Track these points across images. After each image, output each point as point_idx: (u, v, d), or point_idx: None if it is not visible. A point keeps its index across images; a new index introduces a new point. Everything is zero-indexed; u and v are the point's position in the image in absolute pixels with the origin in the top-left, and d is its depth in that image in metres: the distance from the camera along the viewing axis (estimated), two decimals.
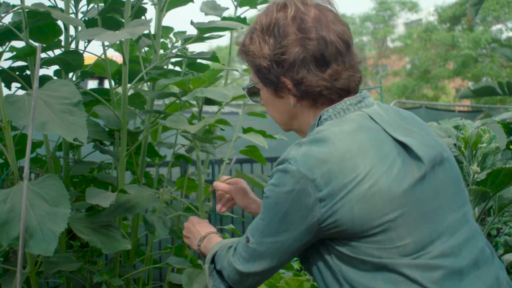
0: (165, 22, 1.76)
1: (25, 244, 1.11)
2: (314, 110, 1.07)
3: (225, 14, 1.91)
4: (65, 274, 1.61)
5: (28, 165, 1.12)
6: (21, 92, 1.60)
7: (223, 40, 30.39)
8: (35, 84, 1.15)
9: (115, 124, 1.65)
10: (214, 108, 1.93)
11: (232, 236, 2.40)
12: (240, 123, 1.97)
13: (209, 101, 1.62)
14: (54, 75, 1.68)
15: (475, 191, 1.58)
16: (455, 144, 1.74)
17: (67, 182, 1.73)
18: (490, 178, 1.55)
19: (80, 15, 1.73)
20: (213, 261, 1.17)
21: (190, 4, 1.82)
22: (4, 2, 1.45)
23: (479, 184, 1.56)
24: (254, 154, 2.06)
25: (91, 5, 1.74)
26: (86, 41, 1.70)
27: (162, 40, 1.89)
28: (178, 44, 1.86)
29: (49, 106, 1.21)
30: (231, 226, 2.15)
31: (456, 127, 2.18)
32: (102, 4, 1.67)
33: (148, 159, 1.90)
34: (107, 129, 1.72)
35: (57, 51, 1.67)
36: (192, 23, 1.61)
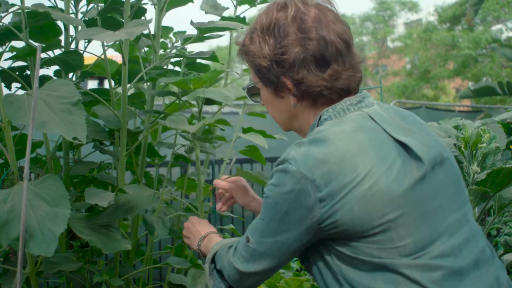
0: (165, 22, 1.76)
1: (25, 245, 1.11)
2: (314, 110, 1.07)
3: (225, 14, 1.91)
4: (65, 274, 1.61)
5: (28, 165, 1.12)
6: (21, 92, 1.60)
7: (223, 40, 30.43)
8: (35, 84, 1.15)
9: (115, 124, 1.65)
10: (214, 108, 1.93)
11: (232, 236, 2.40)
12: (240, 123, 1.97)
13: (209, 101, 1.62)
14: (54, 75, 1.68)
15: (475, 191, 1.58)
16: (455, 144, 1.74)
17: (67, 182, 1.73)
18: (490, 178, 1.55)
19: (80, 15, 1.73)
20: (213, 260, 1.17)
21: (190, 4, 1.82)
22: (3, 0, 1.45)
23: (479, 184, 1.56)
24: (254, 154, 2.06)
25: (91, 5, 1.74)
26: (86, 41, 1.70)
27: (162, 40, 1.89)
28: (178, 44, 1.86)
29: (48, 105, 1.21)
30: (231, 226, 2.15)
31: (456, 127, 2.18)
32: (102, 4, 1.67)
33: (148, 159, 1.90)
34: (107, 129, 1.72)
35: (57, 51, 1.67)
36: (192, 23, 1.62)
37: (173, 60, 1.87)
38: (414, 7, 24.23)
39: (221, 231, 2.15)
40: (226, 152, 1.95)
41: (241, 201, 1.43)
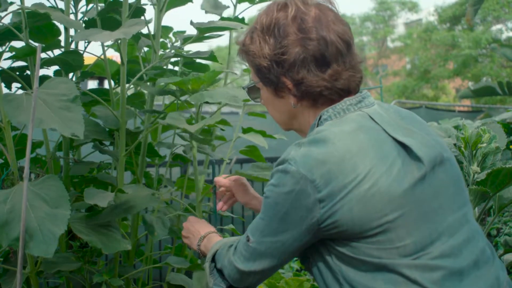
0: (165, 22, 1.76)
1: (25, 245, 1.11)
2: (314, 110, 1.06)
3: (225, 13, 1.91)
4: (65, 274, 1.60)
5: (28, 165, 1.12)
6: (21, 92, 1.60)
7: (223, 40, 30.41)
8: (35, 84, 1.15)
9: (114, 124, 1.65)
10: (214, 108, 1.93)
11: (232, 236, 2.40)
12: (240, 123, 1.97)
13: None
14: (54, 76, 1.68)
15: (475, 191, 1.58)
16: (455, 144, 1.74)
17: (67, 182, 1.73)
18: (490, 178, 1.55)
19: (80, 15, 1.73)
20: (213, 260, 1.17)
21: (190, 4, 1.82)
22: (3, 0, 1.45)
23: (479, 184, 1.56)
24: (254, 154, 2.06)
25: (91, 5, 1.74)
26: (86, 41, 1.70)
27: (162, 40, 1.89)
28: (178, 44, 1.86)
29: (47, 104, 1.21)
30: (231, 226, 2.15)
31: (456, 127, 2.18)
32: (102, 4, 1.67)
33: (148, 159, 1.89)
34: (107, 129, 1.72)
35: (57, 51, 1.67)
36: (191, 23, 1.61)
37: (173, 60, 1.87)
38: (414, 7, 24.24)
39: (221, 231, 2.16)
40: (226, 152, 1.95)
41: (241, 200, 1.43)
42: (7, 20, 1.50)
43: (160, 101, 2.00)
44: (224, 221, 3.12)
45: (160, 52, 1.78)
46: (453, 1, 18.31)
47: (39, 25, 1.58)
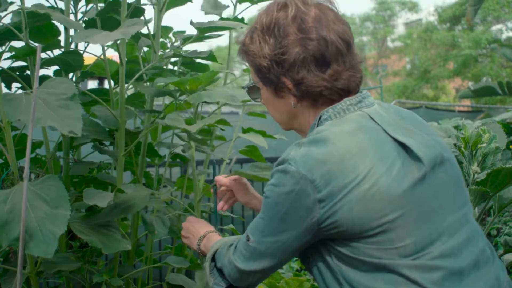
0: (164, 21, 1.76)
1: (25, 245, 1.11)
2: (315, 110, 1.06)
3: (225, 13, 1.91)
4: (65, 274, 1.60)
5: (28, 165, 1.12)
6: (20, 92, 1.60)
7: (223, 40, 30.45)
8: (35, 84, 1.15)
9: (113, 123, 1.65)
10: (214, 108, 1.92)
11: (232, 236, 2.40)
12: (240, 123, 1.97)
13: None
14: (54, 76, 1.68)
15: (475, 191, 1.58)
16: (455, 144, 1.74)
17: (67, 182, 1.73)
18: (490, 178, 1.55)
19: (79, 15, 1.73)
20: (213, 259, 1.17)
21: (190, 4, 1.82)
22: (3, 0, 1.45)
23: (479, 184, 1.56)
24: (254, 154, 2.06)
25: (90, 5, 1.74)
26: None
27: (161, 40, 1.88)
28: (178, 44, 1.86)
29: (46, 103, 1.21)
30: (231, 226, 2.15)
31: (456, 127, 2.18)
32: (102, 4, 1.67)
33: (148, 159, 1.89)
34: (107, 129, 1.72)
35: (56, 51, 1.67)
36: (191, 23, 1.61)
37: (173, 60, 1.87)
38: (414, 7, 24.24)
39: (221, 231, 2.16)
40: (226, 152, 1.95)
41: (242, 199, 1.43)
42: (7, 20, 1.50)
43: (160, 101, 1.99)
44: (224, 221, 3.12)
45: (160, 52, 1.78)
46: (453, 1, 18.32)
47: (39, 25, 1.57)
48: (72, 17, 1.70)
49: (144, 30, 1.55)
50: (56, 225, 1.15)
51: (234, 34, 2.02)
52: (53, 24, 1.61)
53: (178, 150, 1.92)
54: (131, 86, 1.71)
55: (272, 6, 1.07)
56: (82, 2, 1.72)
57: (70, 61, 1.54)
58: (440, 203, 0.97)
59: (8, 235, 1.13)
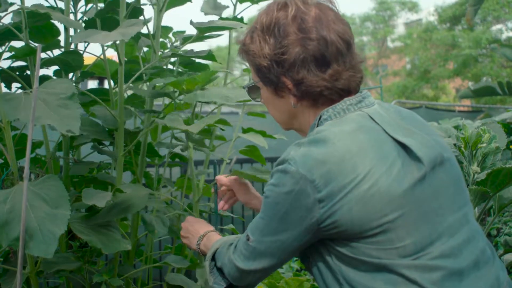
0: (164, 21, 1.76)
1: (25, 245, 1.11)
2: (315, 110, 1.06)
3: (225, 13, 1.91)
4: (64, 274, 1.61)
5: (28, 165, 1.12)
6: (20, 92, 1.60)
7: (223, 40, 30.45)
8: (35, 84, 1.15)
9: (112, 123, 1.64)
10: (214, 108, 1.92)
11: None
12: (240, 123, 1.97)
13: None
14: (54, 76, 1.68)
15: (475, 191, 1.58)
16: (455, 144, 1.74)
17: (67, 182, 1.73)
18: (490, 178, 1.55)
19: (79, 15, 1.73)
20: (213, 258, 1.17)
21: (189, 3, 1.81)
22: (3, 0, 1.45)
23: (479, 184, 1.56)
24: (254, 154, 2.06)
25: (90, 5, 1.74)
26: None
27: (161, 40, 1.88)
28: (178, 44, 1.86)
29: (46, 103, 1.21)
30: (231, 226, 2.15)
31: (456, 127, 2.18)
32: (102, 4, 1.67)
33: (148, 159, 1.89)
34: (107, 129, 1.72)
35: (56, 51, 1.67)
36: (191, 23, 1.61)
37: (172, 60, 1.87)
38: (414, 7, 24.24)
39: (221, 231, 2.16)
40: (226, 152, 1.95)
41: (242, 199, 1.43)
42: (7, 20, 1.50)
43: (161, 101, 1.99)
44: (224, 221, 3.12)
45: (160, 52, 1.78)
46: (453, 1, 18.32)
47: (39, 25, 1.57)
48: (72, 17, 1.70)
49: (144, 30, 1.54)
50: (56, 225, 1.15)
51: (234, 34, 2.02)
52: (53, 24, 1.61)
53: (177, 150, 1.92)
54: (131, 86, 1.71)
55: (272, 5, 1.07)
56: (82, 2, 1.72)
57: (70, 61, 1.54)
58: (440, 203, 0.97)
59: (8, 235, 1.13)
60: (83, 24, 1.67)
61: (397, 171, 0.94)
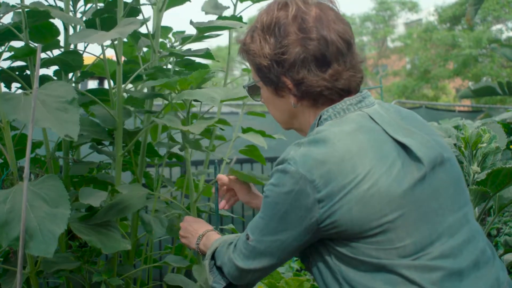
0: (164, 21, 1.76)
1: (25, 245, 1.11)
2: (315, 110, 1.06)
3: (225, 13, 1.91)
4: (64, 274, 1.60)
5: (28, 165, 1.12)
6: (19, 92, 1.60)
7: (224, 40, 30.42)
8: (35, 84, 1.15)
9: (111, 123, 1.64)
10: (214, 108, 1.92)
11: None
12: (240, 123, 1.96)
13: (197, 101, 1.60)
14: (54, 76, 1.68)
15: (475, 191, 1.58)
16: (455, 144, 1.74)
17: (67, 182, 1.73)
18: (490, 178, 1.55)
19: (78, 15, 1.73)
20: (213, 257, 1.17)
21: (189, 3, 1.81)
22: (3, 2, 1.45)
23: (479, 184, 1.56)
24: (254, 154, 2.06)
25: (89, 5, 1.74)
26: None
27: (161, 40, 1.88)
28: (177, 44, 1.86)
29: (45, 105, 1.21)
30: (231, 226, 2.15)
31: (456, 127, 2.18)
32: (102, 4, 1.67)
33: (147, 159, 1.89)
34: (107, 129, 1.72)
35: (56, 51, 1.67)
36: (191, 22, 1.61)
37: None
38: (414, 7, 24.25)
39: (221, 230, 2.15)
40: (226, 152, 1.95)
41: (243, 199, 1.43)
42: (7, 20, 1.50)
43: (161, 101, 2.00)
44: (224, 221, 3.13)
45: (159, 52, 1.78)
46: (453, 1, 18.33)
47: (38, 25, 1.57)
48: None
49: (144, 30, 1.55)
50: (56, 224, 1.15)
51: (234, 33, 2.02)
52: (53, 24, 1.61)
53: (176, 150, 1.92)
54: (130, 87, 1.71)
55: (273, 5, 1.07)
56: (81, 2, 1.72)
57: (70, 61, 1.54)
58: (440, 203, 0.97)
59: (8, 235, 1.13)
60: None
61: (397, 171, 0.94)
